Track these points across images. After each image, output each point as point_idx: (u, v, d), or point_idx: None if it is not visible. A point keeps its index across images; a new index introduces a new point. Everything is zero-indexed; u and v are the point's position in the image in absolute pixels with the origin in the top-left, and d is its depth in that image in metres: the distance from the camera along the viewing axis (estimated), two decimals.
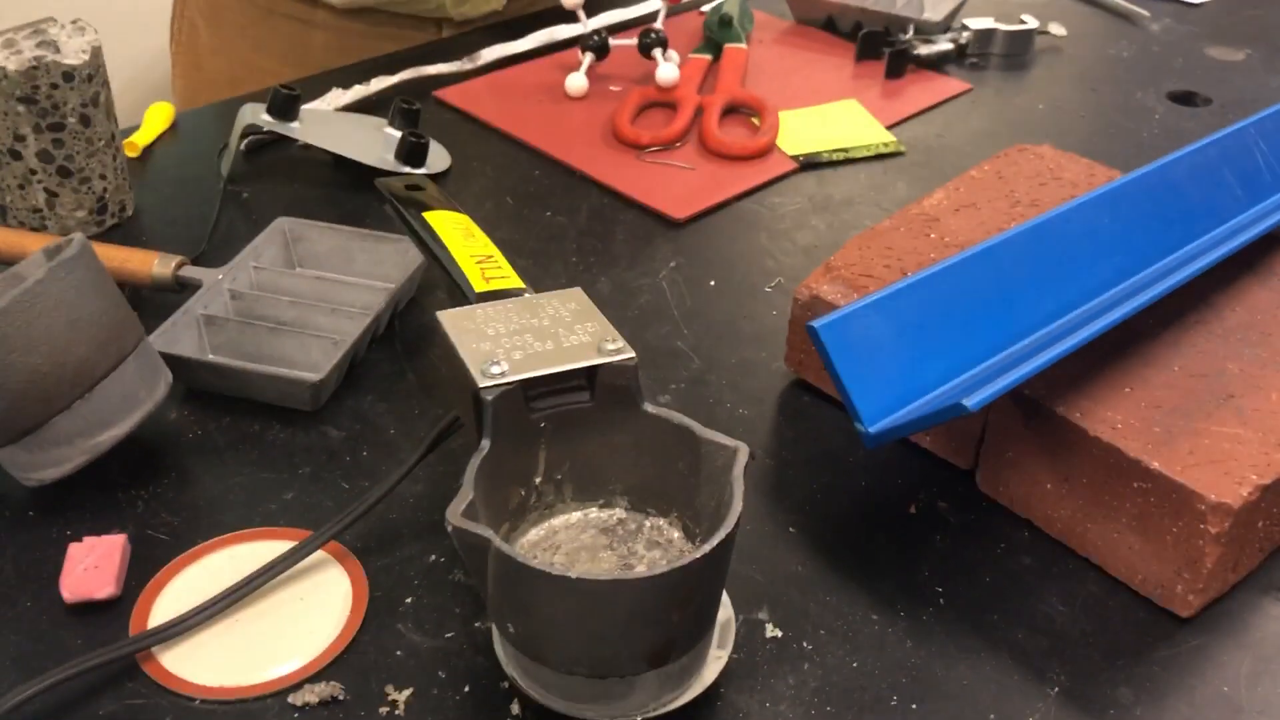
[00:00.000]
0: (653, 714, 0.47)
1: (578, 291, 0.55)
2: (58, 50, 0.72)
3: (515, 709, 0.48)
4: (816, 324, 0.53)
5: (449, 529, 0.44)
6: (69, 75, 0.72)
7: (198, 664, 0.50)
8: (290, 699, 0.49)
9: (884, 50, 1.03)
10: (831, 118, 0.95)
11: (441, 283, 0.67)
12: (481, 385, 0.49)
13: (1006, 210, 0.70)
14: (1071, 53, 1.10)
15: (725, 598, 0.51)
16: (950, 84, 1.02)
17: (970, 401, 0.48)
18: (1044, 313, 0.60)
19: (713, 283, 0.76)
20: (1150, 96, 1.02)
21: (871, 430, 0.54)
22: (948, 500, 0.59)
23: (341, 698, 0.49)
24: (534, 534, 0.52)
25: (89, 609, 0.52)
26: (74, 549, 0.54)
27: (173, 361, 0.62)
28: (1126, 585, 0.55)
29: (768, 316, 0.73)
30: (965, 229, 0.68)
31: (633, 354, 0.51)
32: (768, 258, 0.79)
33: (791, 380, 0.67)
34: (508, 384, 0.49)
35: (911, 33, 1.05)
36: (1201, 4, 1.22)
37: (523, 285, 0.57)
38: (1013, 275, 0.60)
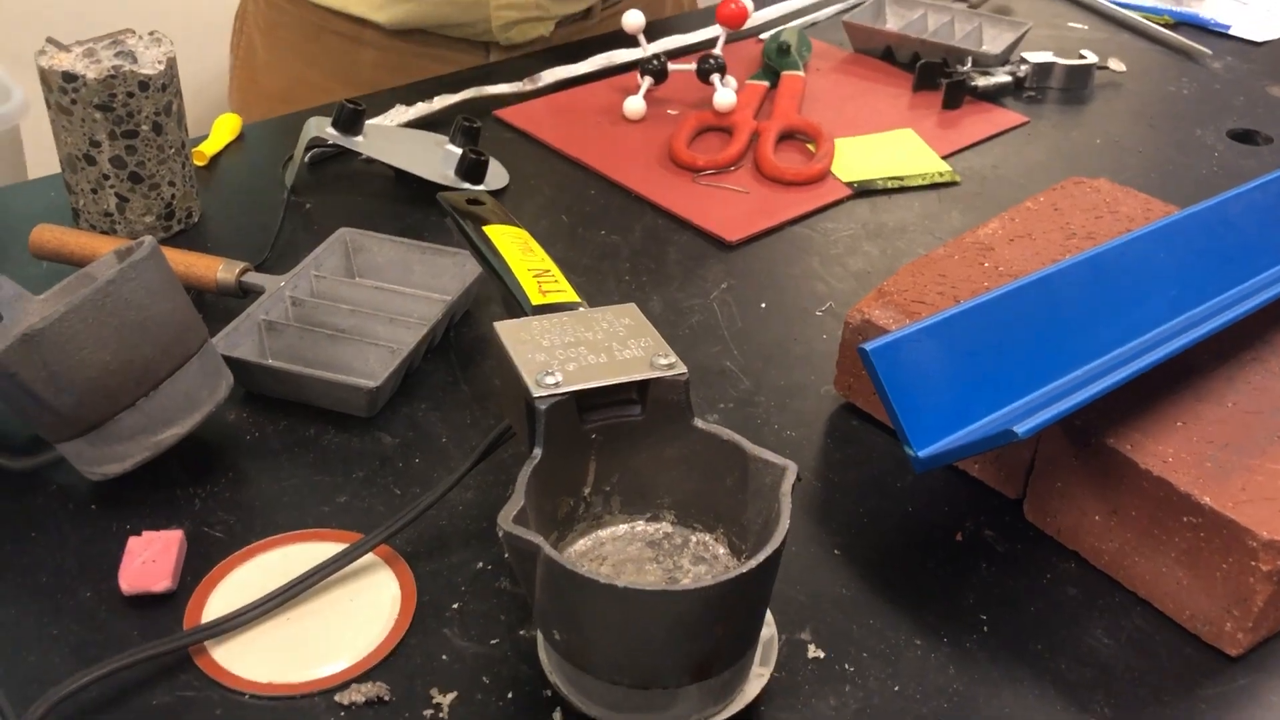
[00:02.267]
0: None
1: (631, 307, 0.56)
2: (135, 60, 0.74)
3: (558, 717, 0.49)
4: (868, 346, 0.54)
5: (500, 534, 0.45)
6: (144, 84, 0.74)
7: (248, 660, 0.51)
8: (337, 698, 0.49)
9: (941, 81, 1.03)
10: (887, 146, 0.95)
11: (497, 296, 0.68)
12: (535, 394, 0.49)
13: (1061, 242, 0.70)
14: (1131, 88, 1.10)
15: (769, 616, 0.51)
16: (1007, 116, 1.02)
17: (1021, 428, 0.48)
18: (1097, 344, 0.60)
19: (764, 305, 0.76)
20: (1210, 134, 1.02)
21: (921, 455, 0.54)
22: (995, 529, 0.59)
23: (387, 698, 0.49)
24: (581, 544, 0.53)
25: (145, 602, 0.54)
26: (133, 543, 0.55)
27: (234, 364, 0.63)
28: (1174, 621, 0.55)
29: (818, 340, 0.73)
30: (1020, 259, 0.68)
31: (684, 369, 0.51)
32: (819, 282, 0.79)
33: (840, 404, 0.68)
34: (561, 394, 0.50)
35: (970, 65, 1.05)
36: (1264, 43, 1.21)
37: (578, 299, 0.58)
38: (1067, 306, 0.60)
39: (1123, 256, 0.63)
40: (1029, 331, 0.58)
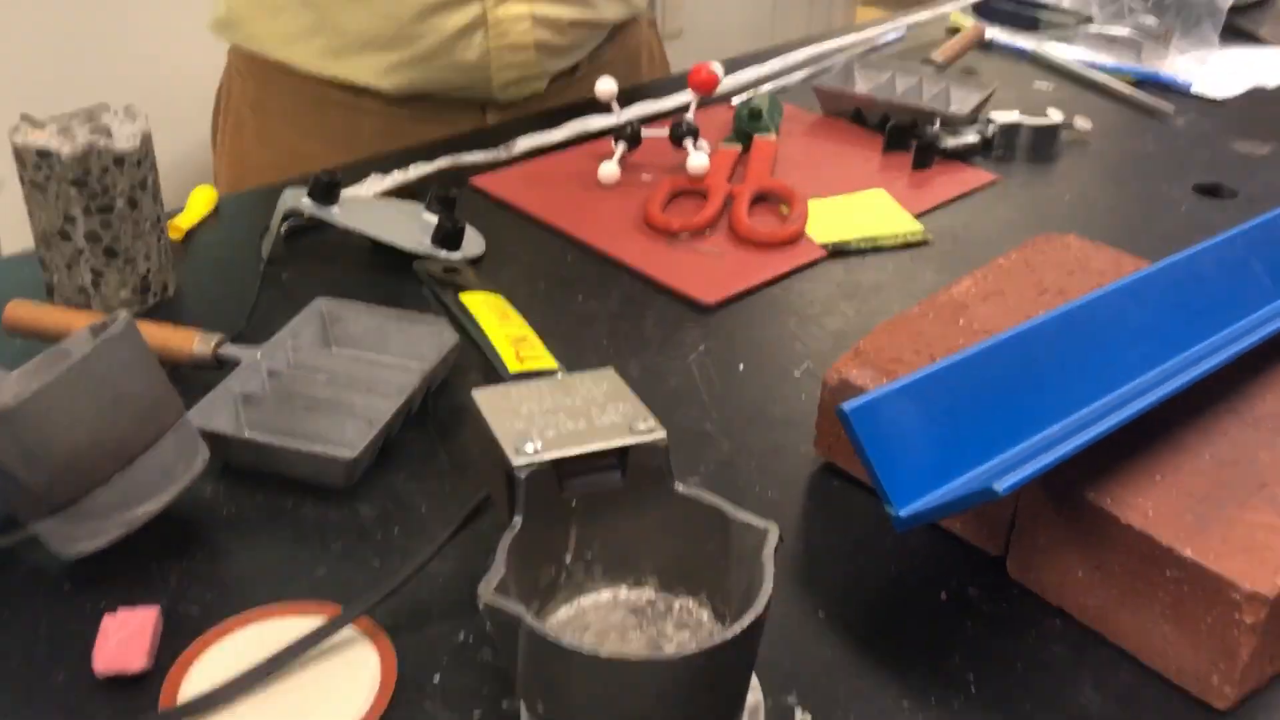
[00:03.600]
0: None
1: (610, 372, 0.56)
2: (109, 135, 0.75)
3: None
4: (846, 407, 0.54)
5: (481, 605, 0.44)
6: (120, 160, 0.75)
7: None
8: None
9: (911, 142, 1.05)
10: (860, 207, 0.96)
11: (475, 364, 0.68)
12: (515, 463, 0.49)
13: (1034, 298, 0.71)
14: (1097, 146, 1.12)
15: (755, 681, 0.51)
16: (977, 175, 1.04)
17: (1000, 486, 0.48)
18: (1074, 399, 0.60)
19: (742, 367, 0.77)
20: (1176, 189, 1.03)
21: (902, 514, 0.54)
22: (979, 587, 0.59)
23: None
24: (564, 612, 0.52)
25: (120, 682, 0.53)
26: (108, 621, 0.54)
27: (210, 438, 0.63)
28: (1161, 675, 0.54)
29: (796, 401, 0.73)
30: (994, 316, 0.69)
31: (664, 434, 0.51)
32: (797, 342, 0.79)
33: (821, 464, 0.68)
34: (541, 462, 0.49)
35: (938, 125, 1.07)
36: (1225, 100, 1.24)
37: (556, 365, 0.58)
38: (1042, 361, 0.60)
39: (1096, 311, 0.63)
40: (1006, 388, 0.58)
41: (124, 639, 0.53)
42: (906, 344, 0.66)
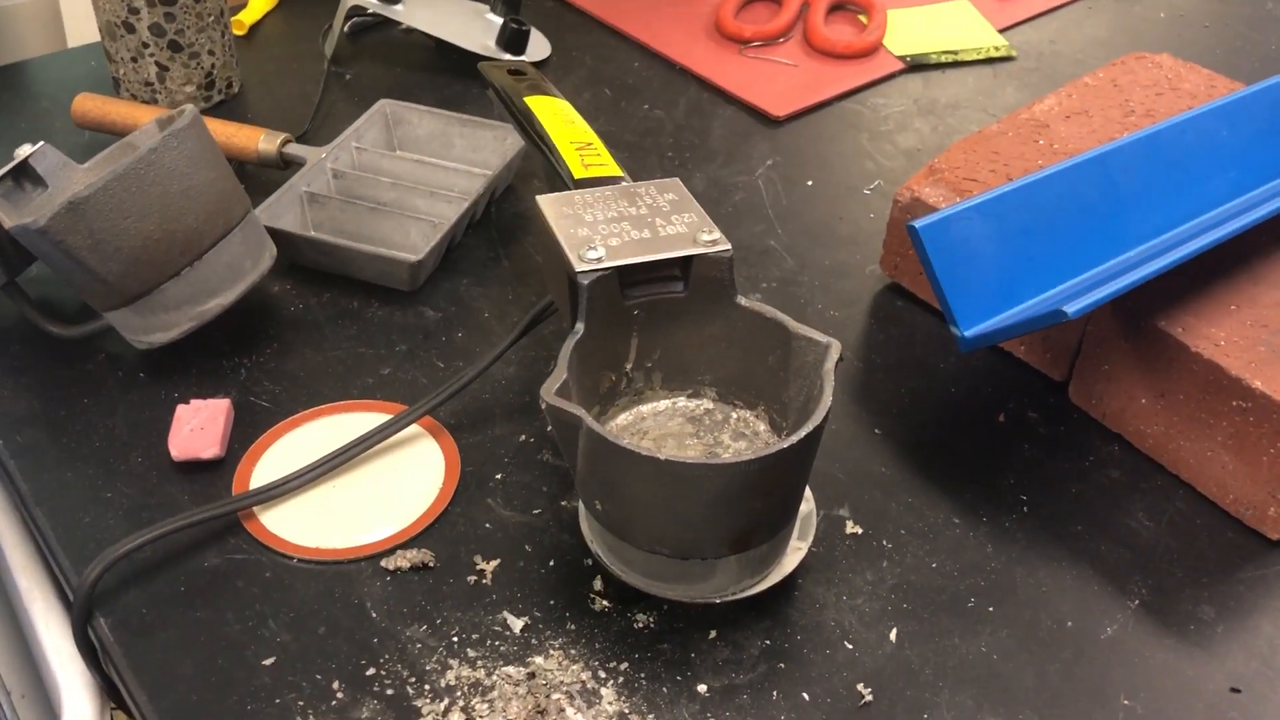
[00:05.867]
0: (731, 598, 0.48)
1: (675, 182, 0.55)
2: None
3: (598, 585, 0.50)
4: (917, 224, 0.53)
5: (543, 406, 0.45)
6: None
7: (296, 525, 0.52)
8: (383, 563, 0.51)
9: None
10: (942, 18, 0.92)
11: (539, 171, 0.67)
12: (578, 270, 0.49)
13: (1120, 120, 0.68)
14: None
15: (808, 492, 0.51)
16: None
17: (1071, 309, 0.47)
18: (1153, 225, 0.58)
19: (810, 183, 0.75)
20: None
21: (967, 334, 0.53)
22: (1038, 410, 0.59)
23: (432, 565, 0.51)
24: (623, 419, 0.53)
25: (195, 468, 0.55)
26: (181, 410, 0.56)
27: (277, 236, 0.63)
28: (1216, 504, 0.54)
29: (865, 219, 0.72)
30: (1076, 137, 0.66)
31: (728, 246, 0.51)
32: (868, 159, 0.77)
33: (885, 284, 0.67)
34: (604, 270, 0.49)
35: None
36: None
37: (621, 173, 0.57)
38: (1122, 185, 0.58)
39: (1183, 135, 0.61)
40: (1082, 211, 0.57)
41: (198, 427, 0.55)
42: (983, 163, 0.64)
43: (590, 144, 0.59)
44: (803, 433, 0.44)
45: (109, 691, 0.50)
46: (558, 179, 0.58)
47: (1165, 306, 0.55)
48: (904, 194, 0.63)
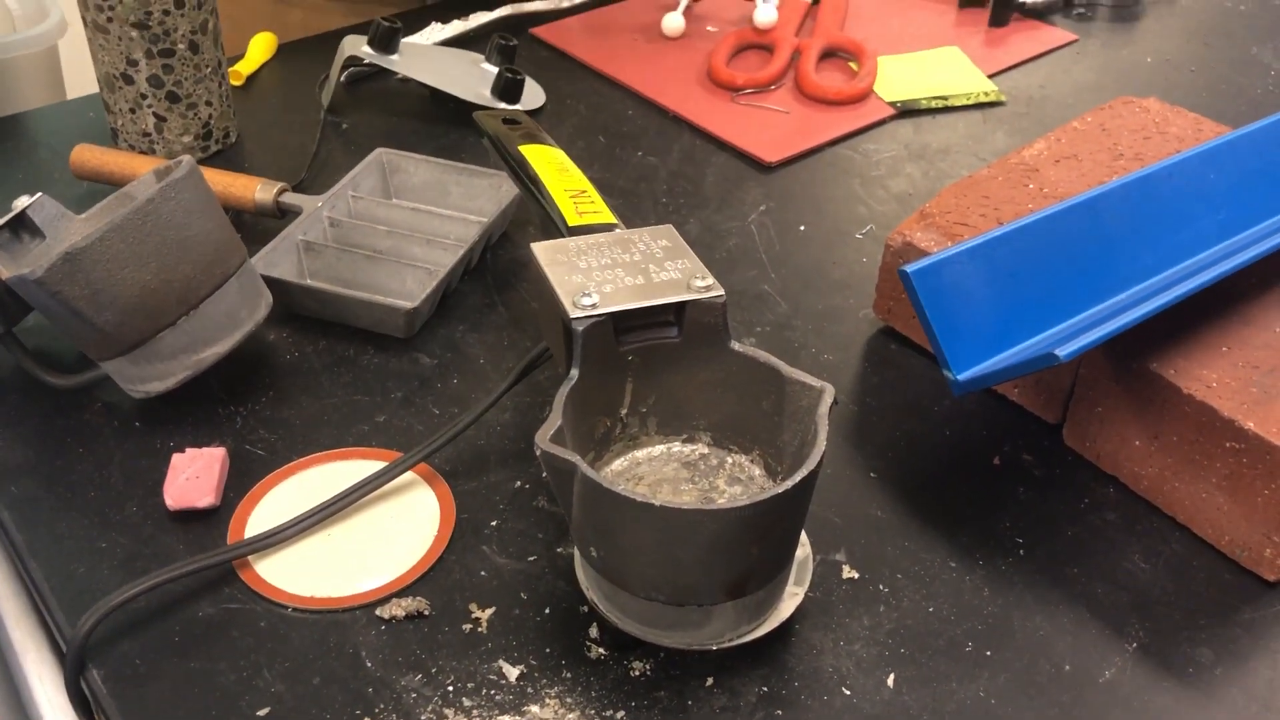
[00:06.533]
0: (728, 644, 0.48)
1: (669, 229, 0.55)
2: None
3: (594, 632, 0.50)
4: (909, 268, 0.53)
5: (537, 452, 0.45)
6: (180, 2, 0.74)
7: (291, 574, 0.52)
8: (378, 612, 0.50)
9: None
10: (932, 65, 0.93)
11: (534, 218, 0.67)
12: (573, 316, 0.49)
13: (1109, 163, 0.68)
14: (1185, 4, 1.07)
15: (804, 537, 0.51)
16: (1055, 34, 0.99)
17: (1063, 352, 0.48)
18: (1142, 267, 0.59)
19: (802, 228, 0.76)
20: (1267, 52, 0.99)
21: (960, 377, 0.54)
22: (1033, 453, 0.59)
23: (427, 613, 0.50)
24: (618, 464, 0.53)
25: (190, 517, 0.55)
26: (177, 459, 0.56)
27: (273, 284, 0.64)
28: (1212, 546, 0.54)
29: (857, 263, 0.72)
30: (1065, 181, 0.67)
31: (722, 291, 0.51)
32: (860, 204, 0.78)
33: (879, 328, 0.67)
34: (598, 316, 0.49)
35: None
36: None
37: (615, 220, 0.57)
38: (1112, 228, 0.59)
39: (1171, 178, 0.61)
40: (1073, 254, 0.57)
41: (193, 476, 0.55)
42: (973, 207, 0.64)
43: (584, 191, 0.60)
44: (797, 478, 0.44)
45: None
46: (552, 226, 0.58)
47: (1157, 349, 0.55)
48: (896, 239, 0.64)
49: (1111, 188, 0.60)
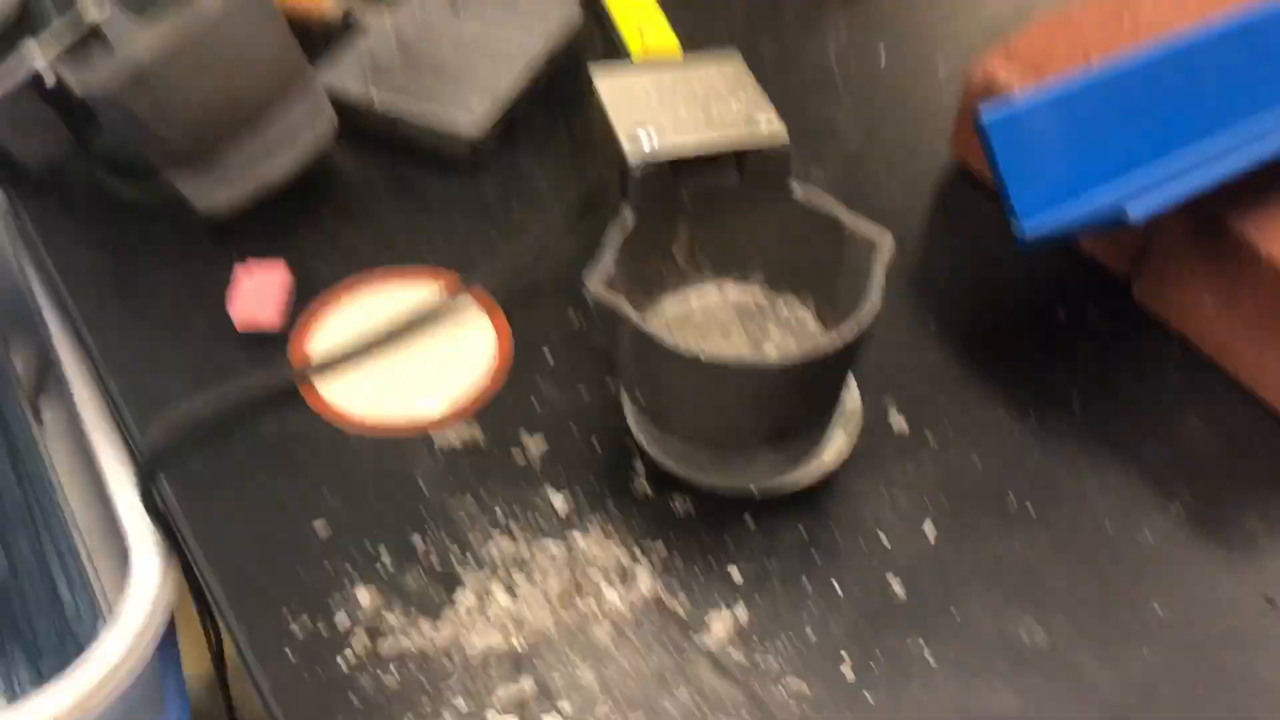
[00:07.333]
0: (771, 492, 0.48)
1: (735, 56, 0.53)
2: None
3: (638, 466, 0.51)
4: (984, 120, 0.51)
5: (587, 295, 0.45)
6: None
7: (351, 396, 0.54)
8: (434, 439, 0.52)
9: None
10: None
11: (599, 43, 0.66)
12: (631, 159, 0.48)
13: (1215, 1, 0.64)
14: None
15: (854, 384, 0.51)
16: None
17: (1134, 209, 0.46)
18: (1232, 121, 0.55)
19: (883, 55, 0.72)
20: None
21: (1027, 229, 0.52)
22: (1100, 307, 0.58)
23: (480, 440, 0.52)
24: (669, 305, 0.53)
25: (254, 333, 0.56)
26: (240, 271, 0.57)
27: (337, 103, 0.63)
28: (1274, 416, 0.53)
29: (938, 97, 0.69)
30: (1165, 17, 0.62)
31: (784, 133, 0.49)
32: (947, 33, 0.74)
33: (954, 169, 0.65)
34: (656, 160, 0.48)
35: None
36: None
37: (678, 49, 0.55)
38: (1210, 77, 0.55)
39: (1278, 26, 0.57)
40: (1160, 105, 0.54)
41: (258, 296, 0.56)
42: (1062, 43, 0.61)
43: (650, 16, 0.57)
44: (846, 334, 0.44)
45: (172, 542, 0.53)
46: (616, 53, 0.56)
47: (1240, 207, 0.52)
48: (977, 72, 0.61)
49: (1210, 34, 0.56)
